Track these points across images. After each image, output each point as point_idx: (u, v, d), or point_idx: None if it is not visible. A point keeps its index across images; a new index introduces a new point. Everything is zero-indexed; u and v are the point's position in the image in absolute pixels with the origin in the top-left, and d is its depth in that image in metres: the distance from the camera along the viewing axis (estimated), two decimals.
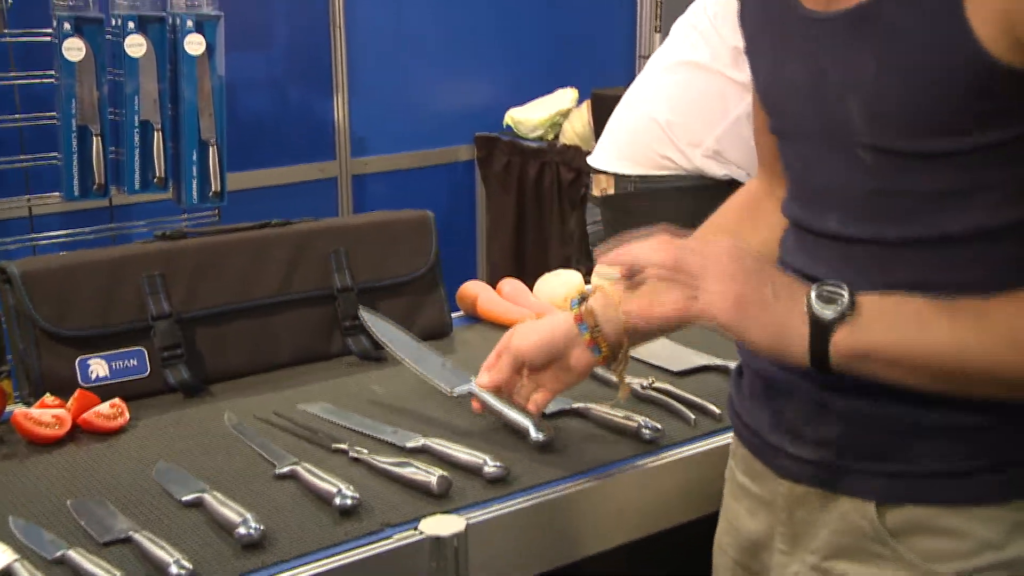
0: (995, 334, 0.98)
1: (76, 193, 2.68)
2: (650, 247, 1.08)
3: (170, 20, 2.70)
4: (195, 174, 2.79)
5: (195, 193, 2.80)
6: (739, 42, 1.28)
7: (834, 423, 1.09)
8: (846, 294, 0.99)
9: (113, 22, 2.65)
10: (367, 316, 1.55)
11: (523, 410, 1.33)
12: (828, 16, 1.07)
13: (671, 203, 2.37)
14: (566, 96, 3.64)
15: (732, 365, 1.51)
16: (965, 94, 0.98)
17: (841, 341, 0.99)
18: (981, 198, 1.02)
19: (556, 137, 3.59)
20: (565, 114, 3.58)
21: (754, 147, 1.34)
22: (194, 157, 2.77)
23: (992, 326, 0.98)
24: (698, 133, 2.33)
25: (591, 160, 2.60)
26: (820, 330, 0.99)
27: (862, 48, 1.04)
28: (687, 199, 2.33)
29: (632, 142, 2.43)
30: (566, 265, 3.28)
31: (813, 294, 1.00)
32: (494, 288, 1.88)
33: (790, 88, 1.15)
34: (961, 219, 1.02)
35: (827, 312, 0.99)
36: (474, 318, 1.84)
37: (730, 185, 2.32)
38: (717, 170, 2.32)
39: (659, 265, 1.07)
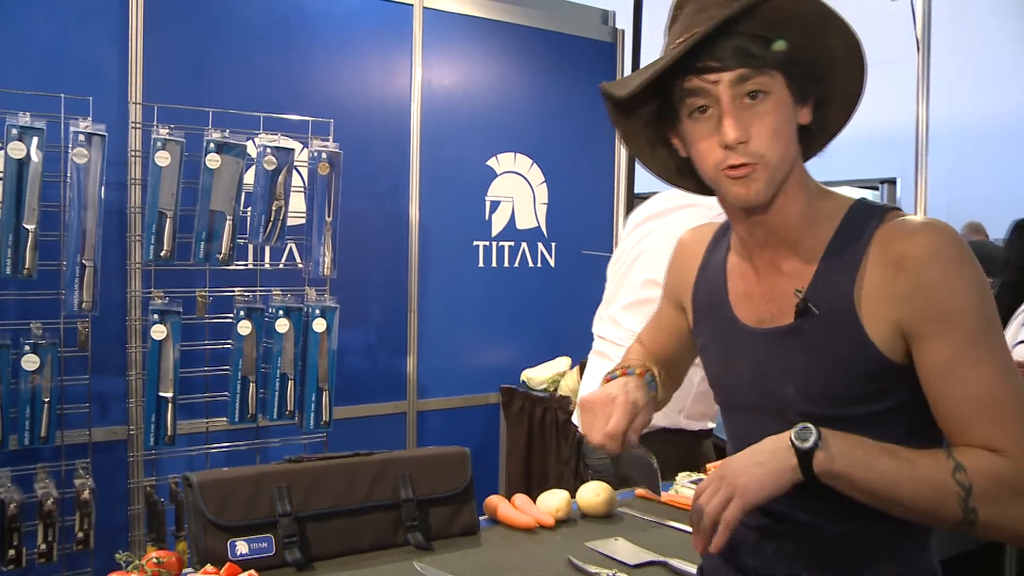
0: (918, 479, 0.98)
1: (236, 420, 2.73)
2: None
3: (305, 309, 2.81)
4: (313, 409, 2.82)
5: (312, 422, 2.83)
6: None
7: None
8: (814, 431, 0.98)
9: (270, 310, 2.77)
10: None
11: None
12: (764, 331, 1.14)
13: (659, 445, 2.29)
14: (563, 362, 3.68)
15: (675, 563, 1.51)
16: (864, 379, 1.05)
17: (819, 464, 0.98)
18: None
19: (556, 389, 3.59)
20: (562, 375, 3.61)
21: (712, 400, 1.29)
22: (313, 398, 2.82)
23: (917, 471, 0.98)
24: (678, 402, 2.25)
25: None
26: (803, 456, 0.98)
27: (793, 351, 1.10)
28: (671, 442, 2.25)
29: None
30: (559, 480, 3.26)
31: (792, 435, 0.99)
32: (509, 500, 1.86)
33: (738, 379, 1.18)
34: None
35: (806, 444, 0.98)
36: (495, 521, 1.82)
37: (699, 432, 2.30)
38: (693, 425, 2.29)
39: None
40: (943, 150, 6.34)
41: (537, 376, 3.64)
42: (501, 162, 3.72)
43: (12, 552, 2.38)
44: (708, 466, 2.12)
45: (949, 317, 1.01)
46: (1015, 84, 6.68)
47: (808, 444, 0.98)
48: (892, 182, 7.35)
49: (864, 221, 1.08)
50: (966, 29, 6.64)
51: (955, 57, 6.62)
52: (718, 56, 1.03)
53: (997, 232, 6.31)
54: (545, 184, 3.84)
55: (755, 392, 1.16)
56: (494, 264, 3.71)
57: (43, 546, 2.44)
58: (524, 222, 3.81)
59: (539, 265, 3.87)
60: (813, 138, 1.13)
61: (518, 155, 3.76)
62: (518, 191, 3.77)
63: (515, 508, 1.83)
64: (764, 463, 1.00)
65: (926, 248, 1.02)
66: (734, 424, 1.24)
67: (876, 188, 7.52)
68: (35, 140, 2.35)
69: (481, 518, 1.81)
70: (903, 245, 1.04)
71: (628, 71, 3.97)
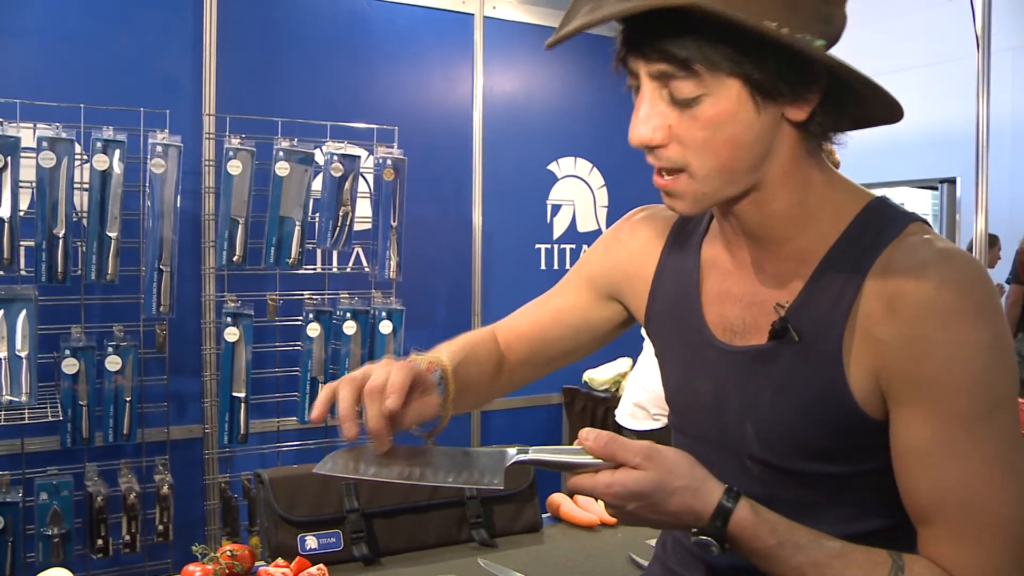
0: None
1: (306, 419, 2.74)
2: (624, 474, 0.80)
3: (372, 311, 2.81)
4: None
5: None
6: None
7: None
8: (716, 546, 0.80)
9: (338, 312, 2.77)
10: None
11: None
12: (735, 350, 0.91)
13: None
14: (624, 363, 3.62)
15: None
16: (837, 434, 0.84)
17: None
18: (840, 511, 0.87)
19: (617, 389, 3.52)
20: (623, 375, 3.55)
21: None
22: None
23: None
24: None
25: (621, 419, 2.87)
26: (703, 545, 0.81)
27: (760, 381, 0.88)
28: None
29: (654, 404, 2.64)
30: None
31: (697, 531, 0.80)
32: (571, 498, 1.82)
33: (696, 399, 0.96)
34: (821, 526, 0.83)
35: (708, 548, 0.80)
36: (558, 519, 1.80)
37: None
38: None
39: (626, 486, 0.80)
40: (1004, 149, 6.09)
41: (599, 376, 3.59)
42: (562, 166, 3.68)
43: (100, 542, 2.44)
44: None
45: (941, 388, 0.77)
46: None
47: (711, 549, 0.80)
48: (952, 182, 7.08)
49: (877, 232, 0.84)
50: None
51: (1016, 53, 6.35)
52: (637, 42, 0.80)
53: None
54: (605, 187, 3.79)
55: (711, 421, 0.94)
56: (556, 267, 3.67)
57: (127, 537, 2.50)
58: (585, 225, 3.76)
59: None
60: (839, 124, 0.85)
61: (578, 159, 3.72)
62: (579, 194, 3.73)
63: (577, 506, 1.80)
64: (665, 522, 0.82)
65: (933, 292, 0.78)
66: (680, 447, 0.96)
67: (935, 188, 7.26)
68: (117, 152, 2.41)
69: (544, 515, 1.79)
70: (904, 280, 0.79)
71: None
